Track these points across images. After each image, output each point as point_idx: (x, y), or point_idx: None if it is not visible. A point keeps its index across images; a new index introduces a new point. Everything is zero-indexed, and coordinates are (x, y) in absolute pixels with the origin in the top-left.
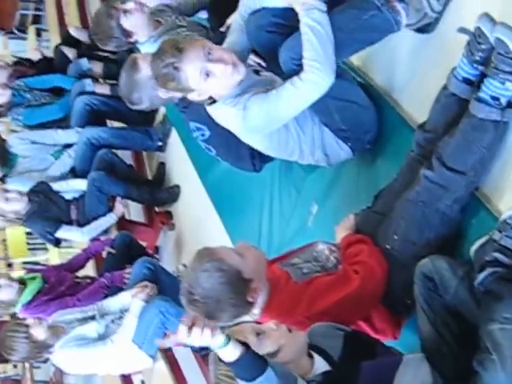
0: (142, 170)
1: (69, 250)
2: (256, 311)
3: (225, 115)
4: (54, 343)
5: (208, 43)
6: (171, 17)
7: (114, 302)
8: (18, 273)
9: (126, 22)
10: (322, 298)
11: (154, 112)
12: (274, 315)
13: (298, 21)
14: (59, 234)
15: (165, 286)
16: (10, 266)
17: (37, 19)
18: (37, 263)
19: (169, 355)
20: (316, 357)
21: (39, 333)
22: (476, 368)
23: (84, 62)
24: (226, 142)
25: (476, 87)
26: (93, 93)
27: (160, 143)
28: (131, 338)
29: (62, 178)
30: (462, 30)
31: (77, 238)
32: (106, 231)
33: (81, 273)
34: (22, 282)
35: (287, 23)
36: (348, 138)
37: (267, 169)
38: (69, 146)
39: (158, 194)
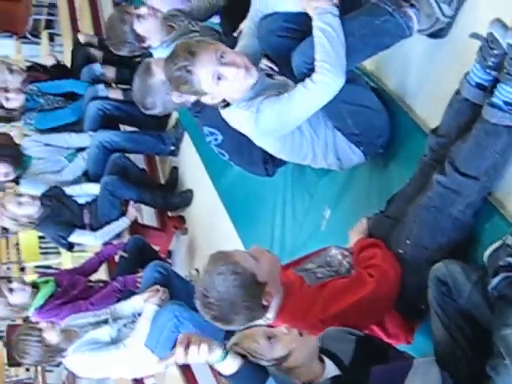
0: (155, 175)
1: (81, 254)
2: (270, 315)
3: (238, 118)
4: (67, 347)
5: (221, 47)
6: (184, 22)
7: (126, 306)
8: (30, 277)
9: (140, 27)
10: (337, 300)
11: (167, 116)
12: (287, 319)
13: (309, 26)
14: (72, 238)
15: (177, 290)
16: (22, 269)
17: (50, 24)
18: (49, 267)
19: None
20: (327, 361)
21: (52, 337)
22: (489, 373)
23: (97, 67)
24: (239, 146)
25: (489, 92)
26: (106, 98)
27: (173, 147)
28: (144, 341)
29: (76, 181)
30: (475, 36)
31: (90, 242)
32: (118, 235)
33: (93, 277)
34: (35, 286)
35: (298, 28)
36: (360, 142)
37: (280, 173)
38: (82, 149)
39: (170, 199)
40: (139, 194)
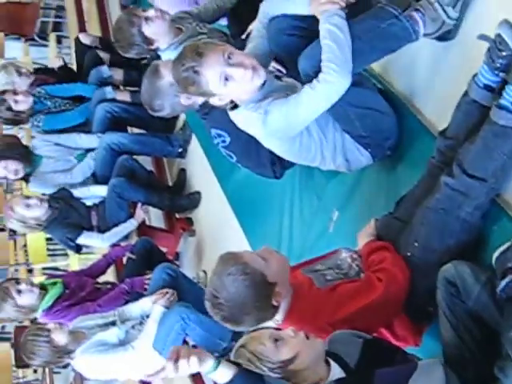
0: (163, 177)
1: (89, 256)
2: (279, 317)
3: (246, 120)
4: (75, 349)
5: (229, 48)
6: (192, 24)
7: (134, 308)
8: (38, 278)
9: (148, 30)
10: (346, 304)
11: (175, 119)
12: (296, 321)
13: (317, 25)
14: (80, 240)
15: (185, 292)
16: (30, 271)
17: (57, 26)
18: (57, 269)
19: None
20: (332, 364)
21: (60, 337)
22: (497, 374)
23: (105, 70)
24: (247, 148)
25: (497, 94)
26: (113, 100)
27: (180, 149)
28: (152, 343)
29: (84, 182)
30: (483, 37)
31: (97, 244)
32: (126, 237)
33: (101, 278)
34: (43, 288)
35: (307, 27)
36: (368, 144)
37: (288, 175)
38: (91, 150)
39: (178, 201)
40: (147, 196)
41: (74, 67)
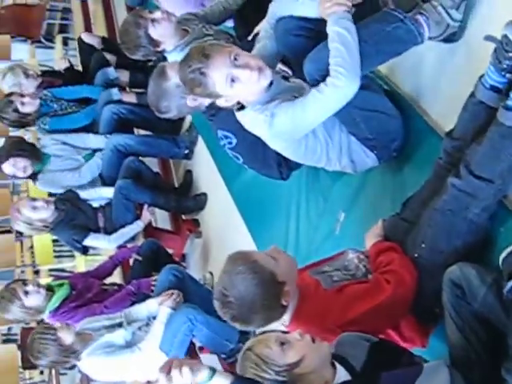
0: (169, 178)
1: (95, 257)
2: (285, 317)
3: (253, 121)
4: (82, 350)
5: (235, 49)
6: (198, 25)
7: (141, 309)
8: (45, 280)
9: (154, 32)
10: (354, 306)
11: (181, 120)
12: (302, 322)
13: (325, 26)
14: (87, 242)
15: (191, 294)
16: (36, 272)
17: (64, 28)
18: (63, 270)
19: None
20: (338, 367)
21: (67, 337)
22: (504, 376)
23: (111, 71)
24: (253, 150)
25: (504, 95)
26: (120, 101)
27: (187, 151)
28: (158, 345)
29: (93, 182)
30: (489, 38)
31: (104, 246)
32: (133, 238)
33: (108, 280)
34: (50, 289)
35: (314, 27)
36: (374, 146)
37: (294, 176)
38: (99, 150)
39: (184, 202)
40: (153, 198)
41: (80, 68)
